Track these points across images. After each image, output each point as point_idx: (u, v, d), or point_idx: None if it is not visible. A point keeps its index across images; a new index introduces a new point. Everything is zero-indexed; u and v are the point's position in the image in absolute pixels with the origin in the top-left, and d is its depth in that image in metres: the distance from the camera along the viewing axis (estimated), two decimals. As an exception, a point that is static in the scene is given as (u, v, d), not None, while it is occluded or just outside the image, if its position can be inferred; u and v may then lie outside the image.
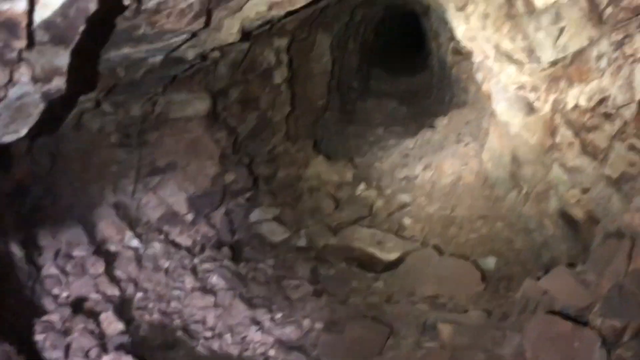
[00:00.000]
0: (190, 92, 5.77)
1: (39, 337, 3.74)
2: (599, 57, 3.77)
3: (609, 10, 3.51)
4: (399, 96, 13.84)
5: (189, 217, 5.81)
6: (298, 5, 4.84)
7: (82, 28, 2.23)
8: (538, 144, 5.57)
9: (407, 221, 7.10)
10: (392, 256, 6.11)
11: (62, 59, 2.32)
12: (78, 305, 4.19)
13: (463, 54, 9.31)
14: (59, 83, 2.43)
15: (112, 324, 4.09)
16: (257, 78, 7.12)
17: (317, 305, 5.37)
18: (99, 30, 3.09)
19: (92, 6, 2.16)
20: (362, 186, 8.00)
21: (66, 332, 3.88)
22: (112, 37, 3.65)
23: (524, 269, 5.99)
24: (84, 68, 3.48)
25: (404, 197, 7.56)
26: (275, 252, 6.27)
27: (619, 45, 3.65)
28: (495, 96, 5.60)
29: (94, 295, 4.35)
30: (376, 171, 8.61)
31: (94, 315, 4.14)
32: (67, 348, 3.77)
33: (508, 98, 5.44)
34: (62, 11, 2.10)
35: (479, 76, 6.03)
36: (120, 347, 3.93)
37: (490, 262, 6.25)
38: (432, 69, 13.46)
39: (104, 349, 3.88)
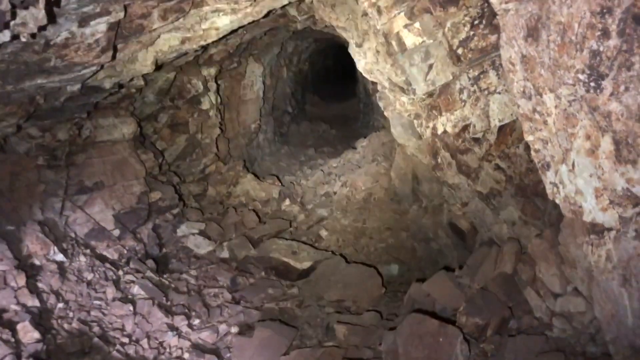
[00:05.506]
0: (117, 117, 5.78)
1: (-48, 348, 3.68)
2: (461, 90, 4.00)
3: (460, 51, 3.75)
4: (331, 120, 14.06)
5: (116, 232, 5.78)
6: (210, 40, 4.93)
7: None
8: (429, 164, 5.81)
9: (324, 233, 7.24)
10: (305, 265, 6.23)
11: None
12: (-4, 317, 4.13)
13: (379, 83, 9.61)
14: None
15: (28, 333, 4.03)
16: (186, 104, 7.17)
17: (234, 311, 5.43)
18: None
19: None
20: (287, 202, 8.11)
21: (-19, 342, 3.82)
22: (25, 69, 3.67)
23: (423, 274, 6.21)
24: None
25: (323, 212, 7.71)
26: (199, 264, 6.30)
27: (476, 80, 3.89)
28: (392, 122, 5.80)
29: (14, 307, 4.28)
30: (301, 188, 8.73)
31: (11, 325, 4.08)
32: (-20, 357, 3.71)
33: (402, 124, 5.66)
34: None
35: (382, 104, 6.24)
36: (34, 355, 3.89)
37: (394, 269, 6.46)
38: (359, 95, 13.77)
39: (18, 357, 3.83)
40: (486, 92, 3.87)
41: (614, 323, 2.77)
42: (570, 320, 3.65)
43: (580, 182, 2.56)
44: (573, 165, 2.58)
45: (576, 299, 3.62)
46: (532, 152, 2.83)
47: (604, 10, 2.09)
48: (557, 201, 2.85)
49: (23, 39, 2.91)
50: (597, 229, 2.64)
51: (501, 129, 4.08)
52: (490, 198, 4.63)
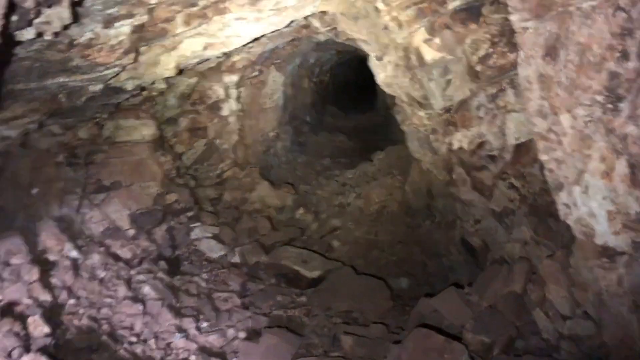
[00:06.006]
0: (138, 118, 5.83)
1: (-36, 337, 3.70)
2: (478, 107, 3.96)
3: (479, 67, 3.72)
4: (350, 131, 14.01)
5: (131, 232, 5.80)
6: (232, 47, 4.96)
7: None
8: (444, 180, 5.76)
9: (335, 243, 7.21)
10: (315, 274, 6.19)
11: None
12: (8, 309, 4.14)
13: (398, 97, 9.59)
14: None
15: (38, 327, 4.04)
16: (206, 109, 7.21)
17: (242, 316, 5.40)
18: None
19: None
20: (300, 210, 8.09)
21: (-8, 333, 3.83)
22: (48, 67, 3.71)
23: (433, 289, 6.12)
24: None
25: (336, 222, 7.68)
26: (210, 267, 6.29)
27: (494, 97, 3.85)
28: (409, 136, 5.77)
29: (26, 300, 4.30)
30: (316, 197, 8.71)
31: (22, 318, 4.09)
32: (-10, 347, 3.72)
33: (419, 138, 5.62)
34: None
35: (399, 118, 6.22)
36: (42, 349, 3.90)
37: (404, 282, 6.39)
38: (378, 108, 13.76)
39: (26, 350, 3.84)
40: (503, 110, 3.83)
41: (623, 349, 2.70)
42: (579, 344, 3.57)
43: (593, 204, 2.50)
44: (587, 187, 2.53)
45: (585, 323, 3.53)
46: (546, 172, 2.78)
47: (624, 32, 2.04)
48: (569, 222, 2.80)
49: (47, 37, 2.94)
50: (609, 253, 2.58)
51: (517, 147, 4.02)
52: (504, 216, 4.57)
